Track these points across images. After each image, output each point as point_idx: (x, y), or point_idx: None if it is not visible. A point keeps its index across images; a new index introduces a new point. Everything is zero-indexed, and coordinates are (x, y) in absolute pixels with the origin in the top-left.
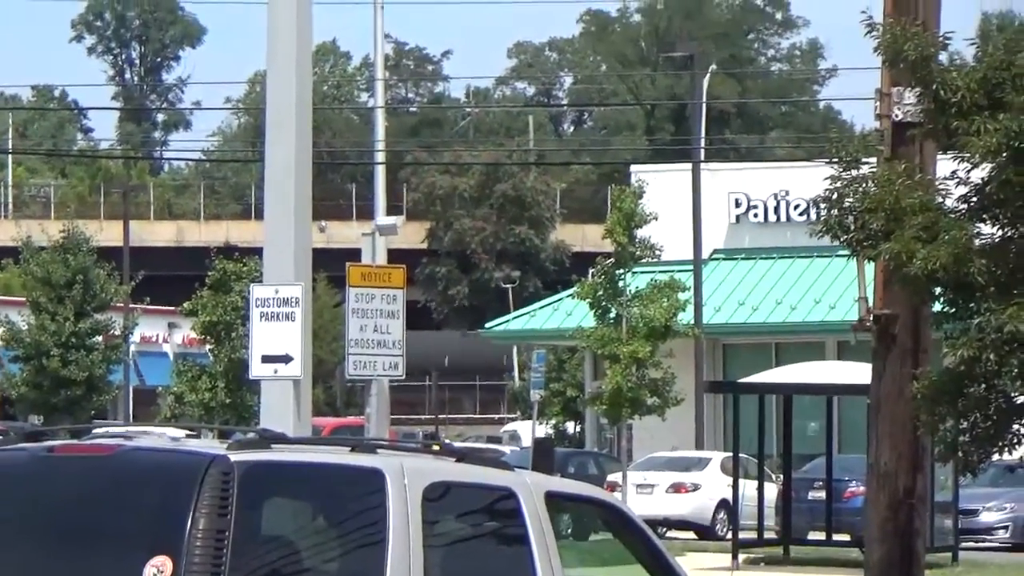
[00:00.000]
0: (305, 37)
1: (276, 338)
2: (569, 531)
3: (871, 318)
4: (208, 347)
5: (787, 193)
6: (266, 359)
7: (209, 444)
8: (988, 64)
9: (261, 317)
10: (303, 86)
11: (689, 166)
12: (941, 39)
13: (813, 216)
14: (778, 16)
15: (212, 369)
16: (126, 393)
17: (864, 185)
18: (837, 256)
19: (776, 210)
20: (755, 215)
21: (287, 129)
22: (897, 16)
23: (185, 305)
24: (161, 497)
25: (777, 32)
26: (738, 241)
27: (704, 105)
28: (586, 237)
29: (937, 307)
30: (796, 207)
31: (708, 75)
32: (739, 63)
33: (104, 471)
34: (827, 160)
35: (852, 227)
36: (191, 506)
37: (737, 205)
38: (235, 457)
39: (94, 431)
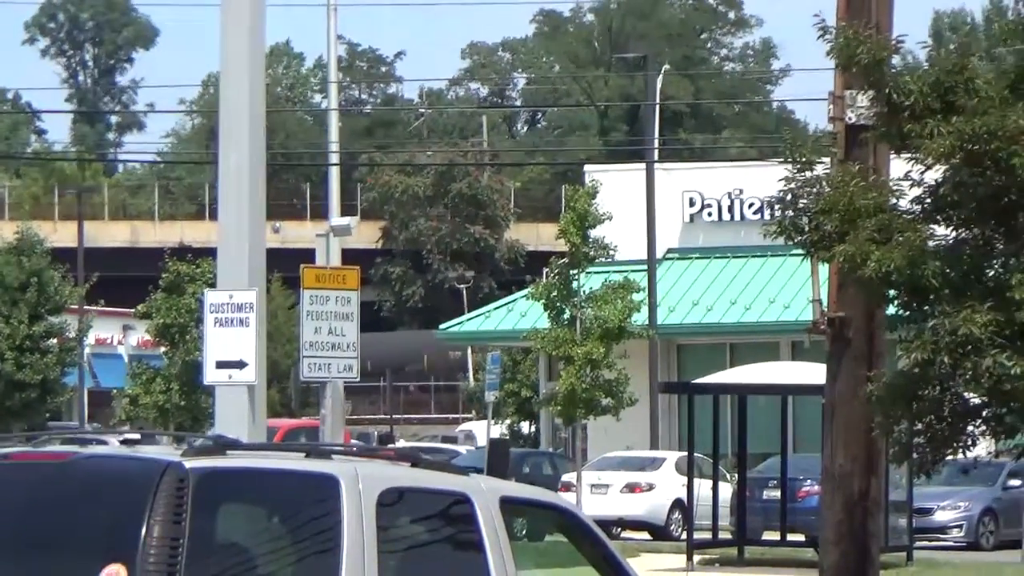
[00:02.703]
0: (258, 42)
1: (230, 344)
2: (524, 532)
3: (825, 321)
4: (162, 349)
5: (741, 192)
6: (220, 365)
7: (163, 451)
8: (941, 67)
9: (215, 323)
10: (256, 92)
11: (643, 166)
12: (894, 42)
13: (767, 216)
14: (731, 15)
15: (166, 371)
16: (81, 395)
17: (818, 187)
18: (791, 256)
19: (730, 209)
20: (709, 214)
21: (240, 135)
22: (850, 19)
23: (139, 307)
24: (116, 504)
25: (730, 31)
26: (692, 240)
27: (657, 105)
28: (540, 236)
29: (891, 309)
30: (750, 206)
31: (661, 75)
32: (692, 63)
33: (59, 478)
34: (781, 160)
35: (806, 228)
36: (146, 513)
37: (691, 204)
38: (190, 464)
39: (49, 434)
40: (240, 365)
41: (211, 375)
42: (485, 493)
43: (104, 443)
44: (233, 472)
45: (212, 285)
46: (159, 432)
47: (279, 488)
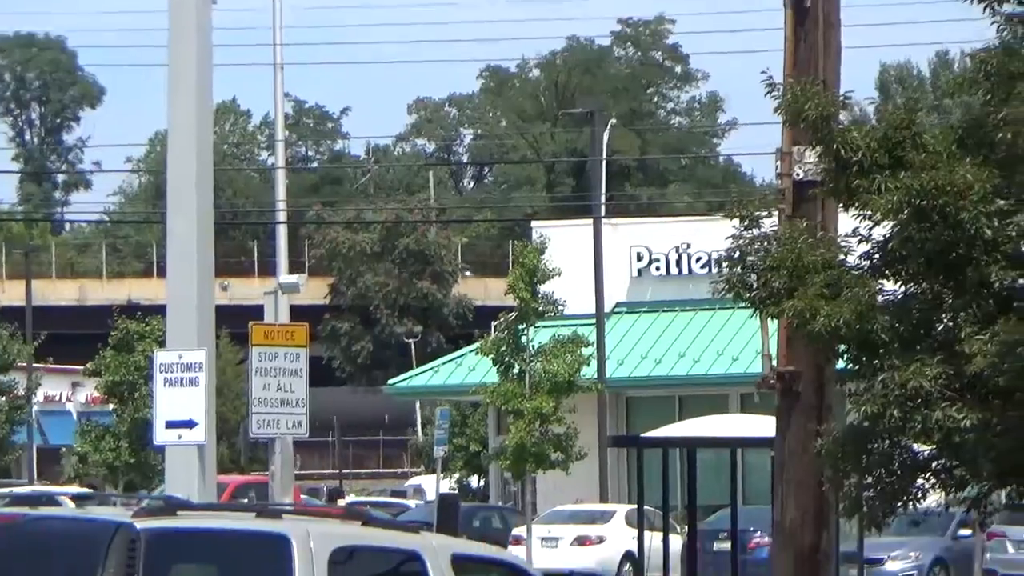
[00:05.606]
0: (205, 105)
1: (180, 403)
2: None
3: (775, 375)
4: (112, 407)
5: (688, 246)
6: (170, 424)
7: (114, 512)
8: (888, 123)
9: (165, 383)
10: (203, 158)
11: (590, 221)
12: (841, 99)
13: (715, 270)
14: (677, 70)
15: (116, 429)
16: (29, 453)
17: (766, 243)
18: (739, 309)
19: (678, 263)
20: (657, 268)
21: (188, 199)
22: (797, 75)
23: (88, 365)
24: (68, 565)
25: (676, 86)
26: (640, 295)
27: (604, 160)
28: (488, 291)
29: (841, 364)
30: (698, 260)
31: (608, 130)
32: (639, 116)
33: (10, 540)
34: (728, 215)
35: (755, 285)
36: (98, 574)
37: (639, 259)
38: (141, 524)
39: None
40: (190, 425)
41: (161, 435)
42: (436, 550)
43: (57, 503)
44: (184, 532)
45: (162, 343)
46: (112, 493)
47: (230, 548)
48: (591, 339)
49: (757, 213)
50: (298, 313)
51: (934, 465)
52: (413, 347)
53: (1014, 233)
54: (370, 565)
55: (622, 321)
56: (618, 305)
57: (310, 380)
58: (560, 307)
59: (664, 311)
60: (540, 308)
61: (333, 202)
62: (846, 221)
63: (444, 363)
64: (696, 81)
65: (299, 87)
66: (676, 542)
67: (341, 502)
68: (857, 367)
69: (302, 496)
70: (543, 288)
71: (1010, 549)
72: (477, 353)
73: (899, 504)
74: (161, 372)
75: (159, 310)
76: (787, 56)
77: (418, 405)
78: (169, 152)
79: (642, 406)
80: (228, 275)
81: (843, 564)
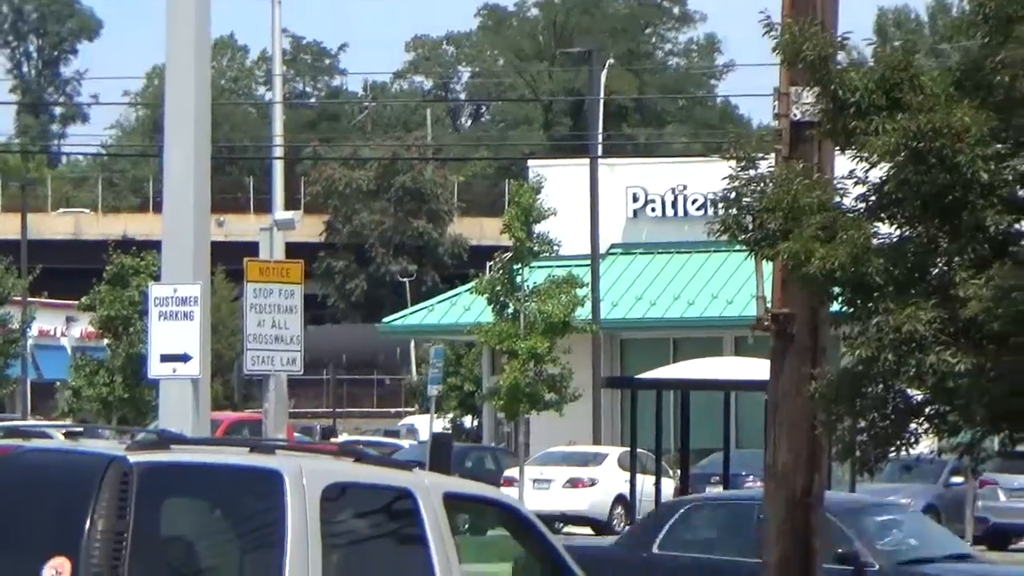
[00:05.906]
0: (203, 38)
1: (174, 337)
2: (466, 526)
3: (769, 317)
4: (106, 341)
5: (685, 188)
6: (165, 358)
7: (108, 445)
8: (886, 64)
9: (159, 316)
10: (201, 89)
11: (587, 161)
12: (839, 39)
13: (711, 212)
14: (675, 11)
15: (110, 363)
16: (24, 387)
17: (762, 184)
18: (734, 251)
19: (674, 205)
20: (653, 210)
21: (185, 131)
22: (796, 16)
23: (83, 300)
24: (60, 498)
25: (674, 27)
26: (636, 236)
27: (602, 100)
28: (484, 231)
29: (835, 306)
30: (694, 202)
31: (605, 70)
32: (637, 57)
33: (2, 472)
34: (724, 156)
35: (750, 227)
36: (90, 507)
37: (635, 200)
38: (134, 458)
39: None
40: (184, 359)
41: (155, 369)
42: (428, 488)
43: (47, 436)
44: (177, 467)
45: (156, 277)
46: (103, 426)
47: (223, 483)
48: (586, 280)
49: (754, 154)
50: (293, 250)
51: (927, 410)
52: (408, 286)
53: (1010, 177)
54: (362, 502)
55: (617, 262)
56: (613, 246)
57: (305, 318)
58: (555, 247)
59: (659, 253)
60: (535, 248)
61: (330, 139)
62: (842, 163)
63: (439, 302)
64: (694, 22)
65: (297, 23)
66: (668, 485)
67: (334, 441)
68: (852, 310)
69: (296, 434)
70: (539, 228)
71: (1002, 497)
72: (472, 292)
73: (892, 449)
74: (156, 306)
75: (154, 245)
76: None
77: (412, 344)
78: (167, 86)
79: (636, 348)
80: (224, 211)
81: None
